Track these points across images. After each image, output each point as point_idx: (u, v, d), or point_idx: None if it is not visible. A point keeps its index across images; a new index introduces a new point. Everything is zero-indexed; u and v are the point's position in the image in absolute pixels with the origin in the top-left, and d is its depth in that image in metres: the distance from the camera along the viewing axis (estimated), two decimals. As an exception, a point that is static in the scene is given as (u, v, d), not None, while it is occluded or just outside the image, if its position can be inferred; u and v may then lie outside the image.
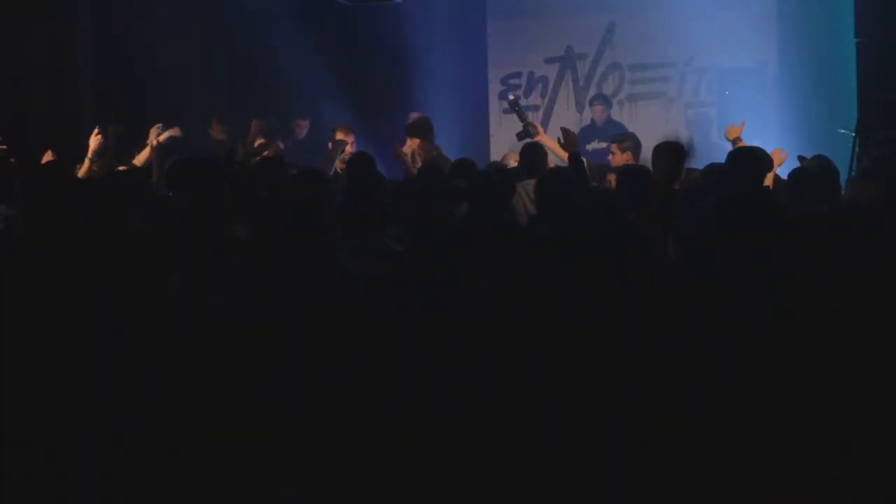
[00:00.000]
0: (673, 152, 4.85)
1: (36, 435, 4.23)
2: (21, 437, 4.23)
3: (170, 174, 6.01)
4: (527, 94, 11.95)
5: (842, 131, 9.00)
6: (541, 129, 8.46)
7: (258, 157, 7.84)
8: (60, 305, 4.35)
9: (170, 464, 4.15)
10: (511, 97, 9.15)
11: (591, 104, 11.08)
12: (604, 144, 10.15)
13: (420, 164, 8.40)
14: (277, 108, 11.75)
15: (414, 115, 10.12)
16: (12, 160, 7.90)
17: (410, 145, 8.76)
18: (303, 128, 11.56)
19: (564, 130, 6.50)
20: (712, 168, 6.48)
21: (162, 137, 8.26)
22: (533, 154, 7.55)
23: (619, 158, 8.19)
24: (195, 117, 11.49)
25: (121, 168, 7.47)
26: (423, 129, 9.02)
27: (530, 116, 11.70)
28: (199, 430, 4.15)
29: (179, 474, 4.14)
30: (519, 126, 8.43)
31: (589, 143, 10.43)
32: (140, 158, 8.04)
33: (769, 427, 4.00)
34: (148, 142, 8.14)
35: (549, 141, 7.82)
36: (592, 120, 10.76)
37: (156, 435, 4.17)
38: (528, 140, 8.14)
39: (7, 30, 10.72)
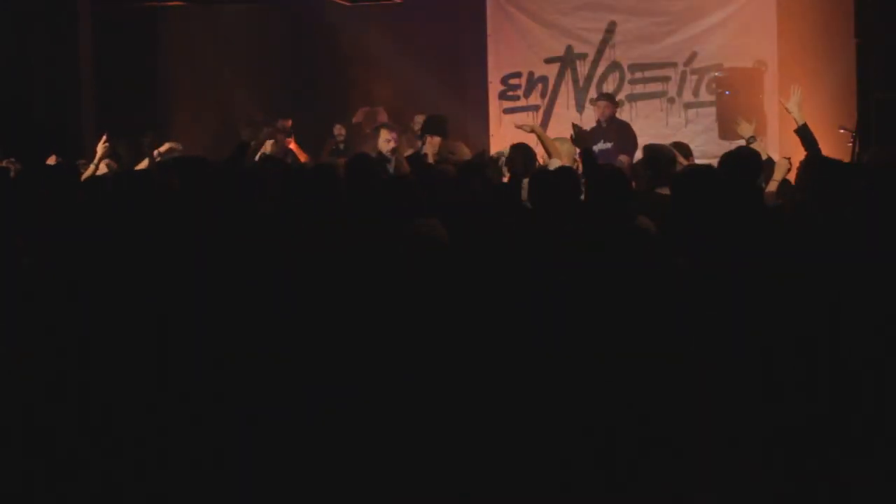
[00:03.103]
0: None
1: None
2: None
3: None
4: (527, 94, 11.94)
5: (841, 131, 8.99)
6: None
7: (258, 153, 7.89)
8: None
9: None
10: None
11: (596, 101, 10.99)
12: (609, 145, 10.12)
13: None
14: (276, 107, 11.76)
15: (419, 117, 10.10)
16: (12, 160, 7.95)
17: (432, 144, 8.72)
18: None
19: (576, 126, 6.45)
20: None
21: (163, 149, 8.34)
22: (522, 154, 7.51)
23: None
24: (193, 117, 11.51)
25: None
26: (443, 128, 8.97)
27: (530, 116, 11.74)
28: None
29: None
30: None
31: (596, 144, 10.38)
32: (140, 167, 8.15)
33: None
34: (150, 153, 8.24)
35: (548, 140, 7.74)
36: (598, 120, 10.70)
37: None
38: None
39: (7, 30, 10.72)
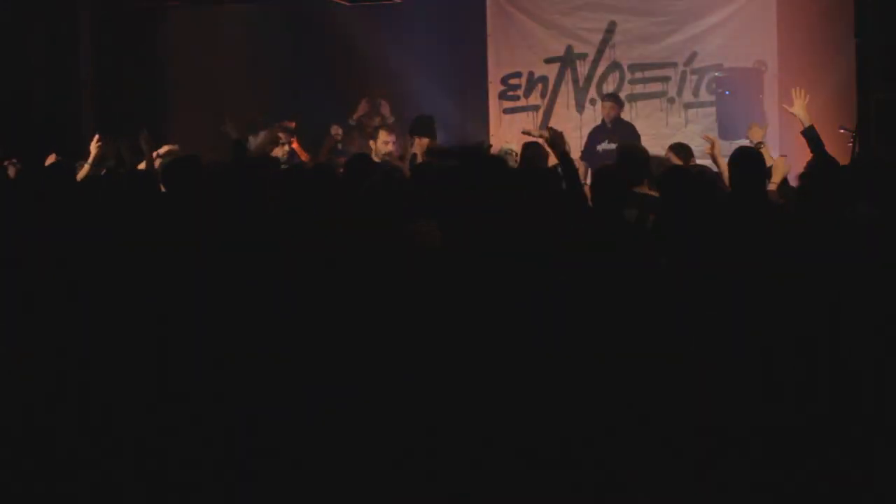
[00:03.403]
0: None
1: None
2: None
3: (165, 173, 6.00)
4: (527, 94, 11.93)
5: (842, 131, 8.99)
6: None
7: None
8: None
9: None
10: None
11: (602, 101, 10.97)
12: (613, 146, 10.09)
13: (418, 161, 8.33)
14: (276, 107, 11.74)
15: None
16: (14, 160, 7.94)
17: (420, 145, 8.70)
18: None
19: (551, 129, 6.49)
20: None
21: (162, 151, 8.33)
22: (532, 153, 7.51)
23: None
24: (193, 117, 11.51)
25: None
26: (430, 128, 8.95)
27: (530, 116, 11.74)
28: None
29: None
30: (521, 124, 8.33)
31: (600, 143, 10.38)
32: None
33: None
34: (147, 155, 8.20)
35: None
36: (603, 120, 10.68)
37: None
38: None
39: (7, 30, 10.72)
